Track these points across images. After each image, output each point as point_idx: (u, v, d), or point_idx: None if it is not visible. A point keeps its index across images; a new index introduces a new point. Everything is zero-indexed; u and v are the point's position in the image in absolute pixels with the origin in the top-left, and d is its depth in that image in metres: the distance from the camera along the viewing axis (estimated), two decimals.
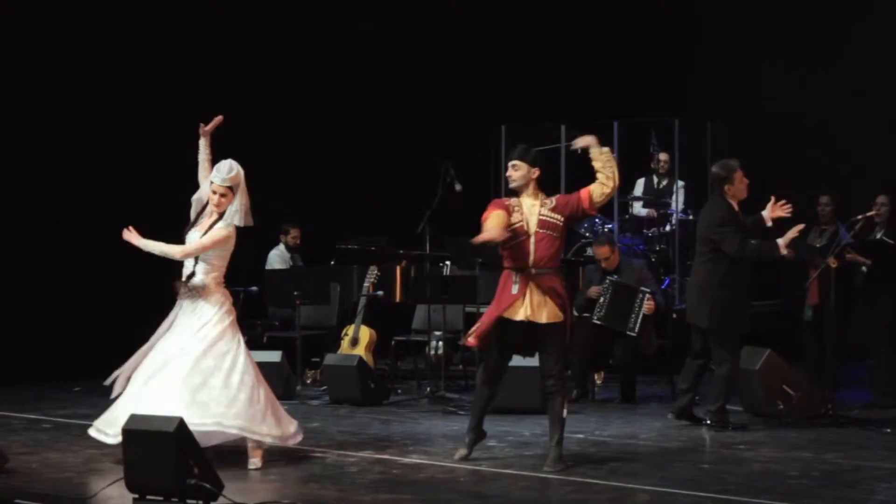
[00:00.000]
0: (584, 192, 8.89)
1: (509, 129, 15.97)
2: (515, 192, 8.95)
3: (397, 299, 13.05)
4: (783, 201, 10.41)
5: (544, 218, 8.79)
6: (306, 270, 13.92)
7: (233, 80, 15.21)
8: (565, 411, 8.82)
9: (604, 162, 8.92)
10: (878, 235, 12.04)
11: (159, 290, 14.33)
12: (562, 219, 8.84)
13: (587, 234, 15.31)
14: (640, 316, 11.94)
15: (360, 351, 12.96)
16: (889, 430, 10.48)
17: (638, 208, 15.79)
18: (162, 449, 7.34)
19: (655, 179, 15.73)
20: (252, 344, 12.75)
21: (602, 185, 8.89)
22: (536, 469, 8.72)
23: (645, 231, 15.43)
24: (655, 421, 10.98)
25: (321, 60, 16.02)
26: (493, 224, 8.68)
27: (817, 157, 15.65)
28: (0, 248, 14.07)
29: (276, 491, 7.95)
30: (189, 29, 14.96)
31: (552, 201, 8.88)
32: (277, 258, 14.49)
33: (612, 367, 12.76)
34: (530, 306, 8.75)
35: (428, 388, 12.53)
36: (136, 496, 7.47)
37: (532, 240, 8.77)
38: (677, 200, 15.39)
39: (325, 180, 15.43)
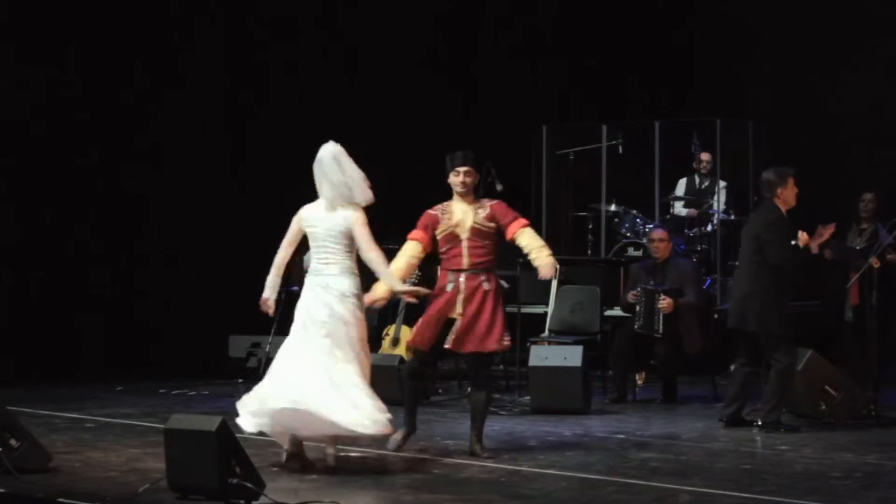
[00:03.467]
0: (515, 226, 9.19)
1: (550, 129, 15.96)
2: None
3: None
4: (826, 229, 10.45)
5: (477, 226, 9.19)
6: None
7: (263, 78, 15.31)
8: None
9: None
10: None
11: (200, 299, 14.53)
12: (494, 227, 9.21)
13: (628, 234, 15.28)
14: (661, 315, 11.96)
15: (401, 351, 12.96)
16: None
17: (679, 208, 15.75)
18: (203, 448, 7.37)
19: (697, 179, 15.70)
20: None
21: (530, 247, 9.17)
22: (577, 469, 8.72)
23: (686, 231, 15.38)
24: (697, 421, 10.95)
25: (360, 70, 16.04)
26: (399, 265, 9.39)
27: (858, 158, 15.57)
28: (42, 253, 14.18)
29: (317, 491, 7.96)
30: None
31: (486, 209, 9.21)
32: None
33: (654, 367, 12.74)
34: (462, 305, 9.19)
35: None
36: (178, 495, 7.52)
37: (465, 244, 9.18)
38: (719, 200, 15.34)
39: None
